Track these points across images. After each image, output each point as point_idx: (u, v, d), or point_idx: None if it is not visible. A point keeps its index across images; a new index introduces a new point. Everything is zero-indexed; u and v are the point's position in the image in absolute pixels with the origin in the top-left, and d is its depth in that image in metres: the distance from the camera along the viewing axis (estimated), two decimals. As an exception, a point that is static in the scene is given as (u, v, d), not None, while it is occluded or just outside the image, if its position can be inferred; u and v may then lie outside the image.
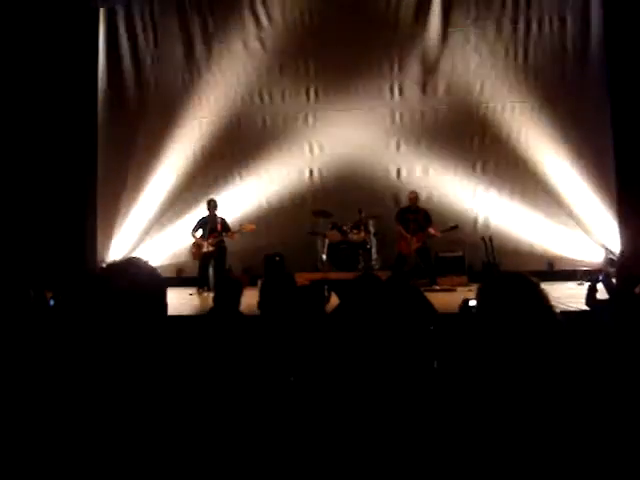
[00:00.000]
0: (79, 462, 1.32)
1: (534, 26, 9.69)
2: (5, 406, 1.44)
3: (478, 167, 9.82)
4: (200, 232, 8.57)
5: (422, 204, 8.77)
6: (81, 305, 1.95)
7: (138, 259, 1.60)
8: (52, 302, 3.31)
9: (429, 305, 3.42)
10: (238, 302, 3.22)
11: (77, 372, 1.42)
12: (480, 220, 9.75)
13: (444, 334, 2.94)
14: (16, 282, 2.88)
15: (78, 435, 1.34)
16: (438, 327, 3.08)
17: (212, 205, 8.67)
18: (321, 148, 10.14)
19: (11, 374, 1.70)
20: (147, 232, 10.29)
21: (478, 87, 9.82)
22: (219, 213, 8.76)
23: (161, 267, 8.48)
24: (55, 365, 1.53)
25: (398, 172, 10.00)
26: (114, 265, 1.63)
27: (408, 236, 8.46)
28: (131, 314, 1.46)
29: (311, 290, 3.18)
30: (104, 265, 9.72)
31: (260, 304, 3.32)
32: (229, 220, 8.93)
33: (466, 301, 3.11)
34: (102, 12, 10.48)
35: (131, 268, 1.55)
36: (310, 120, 10.16)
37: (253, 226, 8.69)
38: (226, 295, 3.15)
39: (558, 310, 1.88)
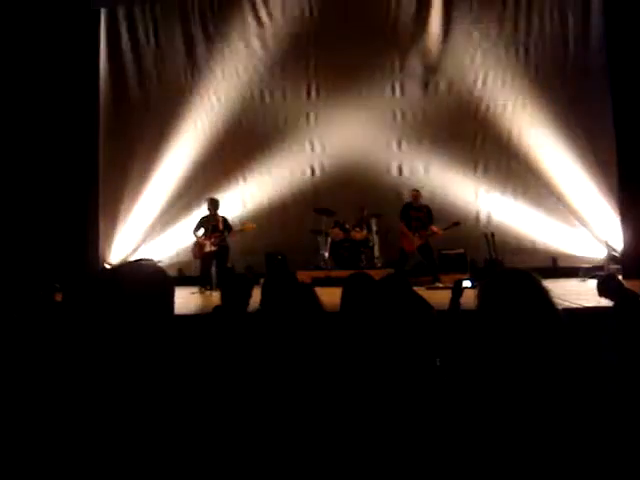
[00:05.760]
0: (85, 459, 1.33)
1: (535, 24, 9.69)
2: (13, 403, 1.46)
3: (480, 164, 9.83)
4: (202, 231, 8.57)
5: (424, 202, 8.76)
6: (90, 305, 1.97)
7: (148, 260, 1.62)
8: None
9: (424, 302, 3.42)
10: (247, 300, 3.20)
11: (86, 371, 1.44)
12: (482, 217, 9.76)
13: (446, 331, 2.94)
14: (25, 283, 2.90)
15: (85, 433, 1.35)
16: (439, 324, 3.09)
17: (213, 204, 8.66)
18: (323, 146, 10.15)
19: (20, 372, 1.72)
20: (149, 232, 10.31)
21: (480, 85, 9.82)
22: (220, 212, 8.77)
23: (163, 266, 8.48)
24: (64, 364, 1.54)
25: (400, 170, 10.01)
26: (123, 266, 1.64)
27: (410, 234, 8.47)
28: (139, 314, 1.48)
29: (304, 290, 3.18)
30: (109, 265, 9.75)
31: (262, 303, 3.32)
32: (231, 219, 8.94)
33: (459, 281, 3.13)
34: (103, 13, 10.50)
35: (140, 269, 1.56)
36: (312, 118, 10.17)
37: (254, 225, 8.69)
38: (236, 292, 3.12)
39: (561, 307, 1.88)
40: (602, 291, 3.87)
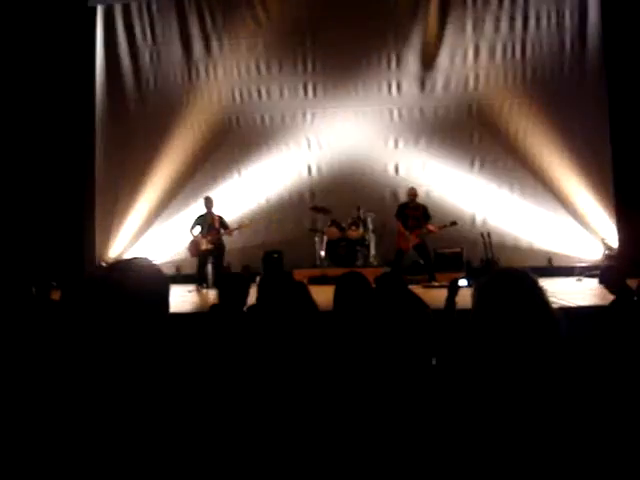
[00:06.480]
0: (83, 459, 1.33)
1: (532, 22, 9.70)
2: (6, 403, 1.46)
3: (476, 163, 9.84)
4: (198, 229, 8.58)
5: (420, 201, 8.77)
6: (85, 303, 1.97)
7: (142, 258, 1.62)
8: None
9: (419, 301, 3.43)
10: (245, 299, 3.20)
11: (80, 369, 1.43)
12: (479, 216, 9.77)
13: (442, 330, 2.95)
14: (17, 279, 2.89)
15: (80, 433, 1.35)
16: (435, 323, 3.09)
17: (209, 203, 8.69)
18: (319, 145, 10.15)
19: (13, 370, 1.71)
20: (145, 230, 10.29)
21: (476, 83, 9.83)
22: (217, 210, 8.77)
23: (160, 265, 8.45)
24: (57, 362, 1.54)
25: (396, 169, 10.01)
26: (118, 264, 1.64)
27: (406, 232, 8.47)
28: (134, 312, 1.48)
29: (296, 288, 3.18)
30: (105, 264, 9.73)
31: (258, 301, 3.32)
32: (228, 217, 8.95)
33: (455, 280, 3.14)
34: (100, 10, 10.48)
35: (135, 267, 1.56)
36: (308, 117, 10.17)
37: (250, 224, 8.70)
38: (233, 291, 3.12)
39: (556, 306, 1.89)
40: (603, 280, 3.88)
